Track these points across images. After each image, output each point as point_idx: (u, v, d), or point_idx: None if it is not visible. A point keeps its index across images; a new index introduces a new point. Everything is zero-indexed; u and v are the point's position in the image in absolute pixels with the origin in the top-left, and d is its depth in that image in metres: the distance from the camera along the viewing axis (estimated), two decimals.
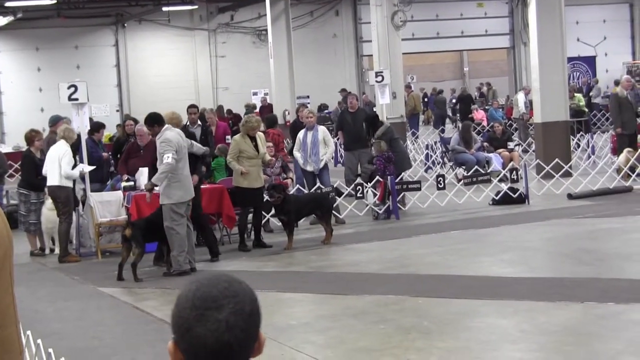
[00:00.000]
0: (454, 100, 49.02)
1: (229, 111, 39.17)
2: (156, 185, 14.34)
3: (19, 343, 4.89)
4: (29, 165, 17.06)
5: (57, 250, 17.06)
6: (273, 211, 16.74)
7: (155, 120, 14.50)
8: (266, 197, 16.21)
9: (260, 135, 16.90)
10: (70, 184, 16.12)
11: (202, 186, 15.72)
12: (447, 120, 45.14)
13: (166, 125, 14.28)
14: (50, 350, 6.54)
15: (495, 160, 24.06)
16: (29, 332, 7.23)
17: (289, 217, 16.01)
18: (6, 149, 32.35)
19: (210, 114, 21.68)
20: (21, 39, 42.37)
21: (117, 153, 19.56)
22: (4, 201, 20.34)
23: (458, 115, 43.18)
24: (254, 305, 2.55)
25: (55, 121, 19.18)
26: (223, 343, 2.46)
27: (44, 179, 17.20)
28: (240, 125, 16.99)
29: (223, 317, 2.46)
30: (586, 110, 34.12)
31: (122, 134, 19.80)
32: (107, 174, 19.43)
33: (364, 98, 39.43)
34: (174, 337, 2.51)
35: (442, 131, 38.75)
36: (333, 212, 18.20)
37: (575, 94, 34.43)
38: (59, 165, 15.90)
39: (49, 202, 16.74)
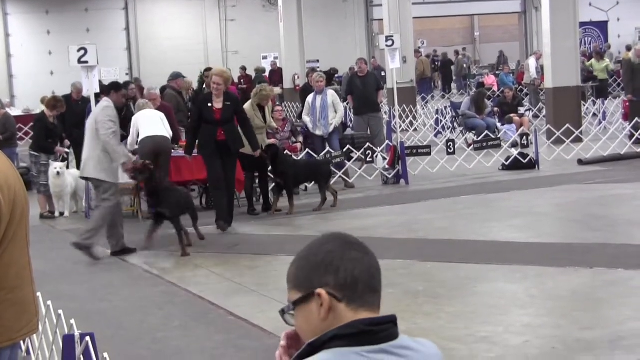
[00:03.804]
0: (464, 66, 48.95)
1: (243, 68, 39.27)
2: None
3: (35, 304, 4.91)
4: (41, 128, 17.12)
5: (66, 214, 17.12)
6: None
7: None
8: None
9: (268, 104, 16.86)
10: None
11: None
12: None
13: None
14: (60, 312, 6.55)
15: (509, 131, 23.82)
16: (39, 294, 7.24)
17: (286, 180, 15.93)
18: (16, 111, 32.33)
19: None
20: (31, 2, 42.33)
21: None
22: (15, 164, 20.40)
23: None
24: None
25: (175, 77, 20.18)
26: (372, 263, 2.60)
27: (54, 142, 17.26)
28: (252, 95, 16.88)
29: (360, 242, 2.64)
30: (604, 76, 33.95)
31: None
32: None
33: (373, 62, 39.34)
34: (323, 283, 2.55)
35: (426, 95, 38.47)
36: (342, 176, 18.22)
37: (605, 58, 34.39)
38: (162, 122, 16.06)
39: (55, 166, 16.78)
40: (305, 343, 2.59)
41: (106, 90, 13.54)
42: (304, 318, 2.58)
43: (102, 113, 13.13)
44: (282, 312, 2.63)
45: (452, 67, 45.90)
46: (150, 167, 13.46)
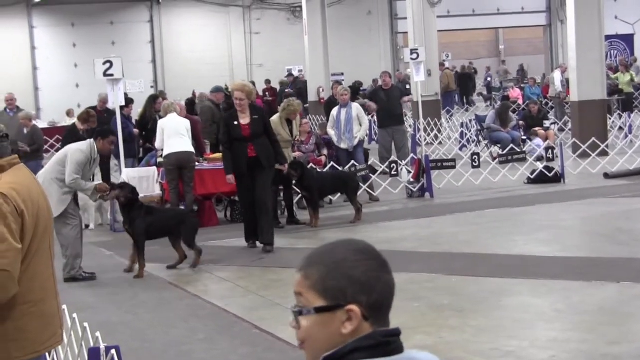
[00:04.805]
0: (488, 79, 48.93)
1: (268, 81, 39.42)
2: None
3: (60, 317, 4.93)
4: (72, 138, 17.18)
5: (92, 226, 17.17)
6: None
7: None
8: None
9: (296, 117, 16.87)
10: None
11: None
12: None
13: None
14: (86, 324, 6.56)
15: (537, 146, 23.61)
16: (64, 306, 7.26)
17: (311, 193, 15.88)
18: (42, 124, 32.49)
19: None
20: (57, 15, 42.57)
21: (143, 129, 19.71)
22: None
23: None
24: None
25: (216, 90, 20.70)
26: (394, 284, 2.65)
27: None
28: (280, 109, 16.88)
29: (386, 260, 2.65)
30: (630, 89, 33.76)
31: (148, 110, 19.92)
32: (138, 149, 19.68)
33: (397, 75, 39.34)
34: (356, 300, 2.54)
35: (451, 108, 38.32)
36: (367, 189, 18.19)
37: (630, 71, 34.19)
38: (187, 134, 16.18)
39: None
40: (308, 352, 2.58)
41: (94, 135, 13.11)
42: (322, 326, 2.55)
43: (75, 153, 12.72)
44: (299, 313, 2.58)
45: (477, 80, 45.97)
46: (129, 184, 13.55)
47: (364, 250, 2.60)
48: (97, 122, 18.99)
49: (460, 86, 43.62)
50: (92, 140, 12.98)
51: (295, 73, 42.49)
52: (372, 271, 2.56)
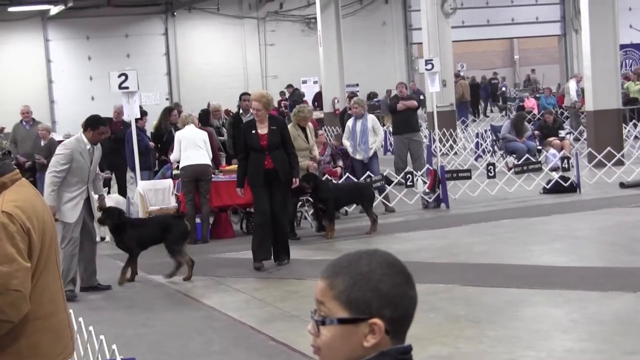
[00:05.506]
0: (503, 89, 48.90)
1: (282, 93, 39.57)
2: None
3: (70, 329, 4.94)
4: None
5: (107, 238, 17.18)
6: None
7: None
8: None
9: (309, 126, 16.86)
10: None
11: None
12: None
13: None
14: (102, 337, 6.57)
15: (553, 156, 23.56)
16: (80, 319, 7.29)
17: (327, 205, 15.85)
18: (57, 137, 32.56)
19: None
20: (72, 28, 42.71)
21: (158, 142, 19.68)
22: None
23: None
24: None
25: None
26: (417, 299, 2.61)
27: None
28: (292, 115, 16.93)
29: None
30: None
31: (162, 122, 19.86)
32: (154, 162, 19.70)
33: (412, 86, 39.36)
34: (380, 314, 2.52)
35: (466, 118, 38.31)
36: (383, 200, 18.18)
37: None
38: (204, 146, 16.22)
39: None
40: None
41: (83, 125, 12.67)
42: (343, 337, 2.53)
43: (59, 148, 12.64)
44: (322, 323, 2.56)
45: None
46: (115, 208, 13.87)
47: (391, 263, 2.56)
48: (112, 133, 19.08)
49: (471, 97, 43.59)
50: (80, 132, 12.72)
51: (310, 84, 42.61)
52: (399, 286, 2.53)
